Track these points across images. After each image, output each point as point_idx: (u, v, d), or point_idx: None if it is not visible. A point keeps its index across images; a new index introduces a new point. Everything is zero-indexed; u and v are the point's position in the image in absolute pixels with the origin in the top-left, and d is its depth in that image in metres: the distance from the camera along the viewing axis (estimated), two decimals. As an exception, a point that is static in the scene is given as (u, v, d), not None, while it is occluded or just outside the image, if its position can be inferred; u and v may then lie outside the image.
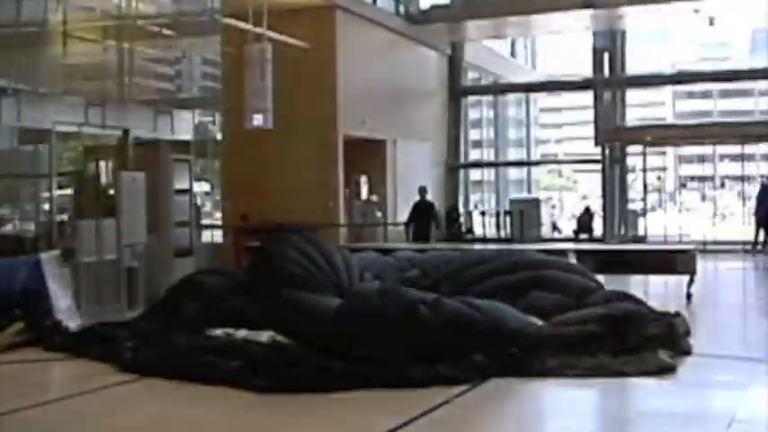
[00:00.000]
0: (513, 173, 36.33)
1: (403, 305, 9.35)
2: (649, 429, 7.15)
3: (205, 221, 23.92)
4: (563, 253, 14.57)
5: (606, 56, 27.41)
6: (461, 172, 29.35)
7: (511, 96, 35.08)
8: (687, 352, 9.42)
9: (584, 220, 28.03)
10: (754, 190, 28.36)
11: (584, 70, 28.66)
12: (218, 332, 10.14)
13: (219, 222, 23.22)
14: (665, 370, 8.60)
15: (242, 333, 10.08)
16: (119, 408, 8.02)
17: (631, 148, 27.71)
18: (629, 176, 28.32)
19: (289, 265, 11.53)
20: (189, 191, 17.53)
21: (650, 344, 9.13)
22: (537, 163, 40.18)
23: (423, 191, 21.66)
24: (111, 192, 15.17)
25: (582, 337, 9.24)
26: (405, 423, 7.05)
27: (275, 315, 10.41)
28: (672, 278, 15.20)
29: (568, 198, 47.28)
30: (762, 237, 24.73)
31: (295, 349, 9.04)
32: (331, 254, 12.36)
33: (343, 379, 8.23)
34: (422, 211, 21.24)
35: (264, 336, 9.87)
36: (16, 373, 9.51)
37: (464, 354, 8.71)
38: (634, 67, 30.62)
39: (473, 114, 32.18)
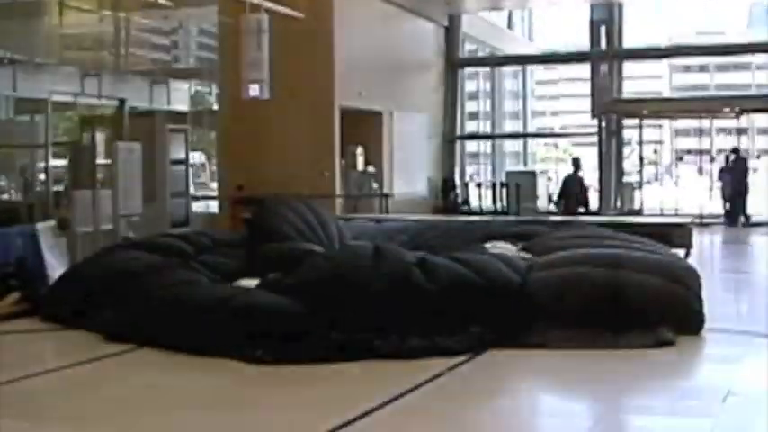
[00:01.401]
0: (510, 145, 36.32)
1: (396, 266, 9.18)
2: (646, 402, 7.15)
3: (201, 192, 23.92)
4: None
5: (603, 28, 27.28)
6: (458, 144, 29.26)
7: (508, 68, 35.02)
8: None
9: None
10: (752, 163, 28.40)
11: (581, 43, 28.59)
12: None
13: (215, 193, 23.19)
14: (664, 344, 8.58)
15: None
16: (114, 379, 8.02)
17: (628, 122, 27.68)
18: (626, 149, 28.28)
19: (284, 226, 11.55)
20: (185, 161, 17.54)
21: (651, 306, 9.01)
22: (533, 135, 40.12)
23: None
24: (108, 162, 15.15)
25: (576, 280, 9.18)
26: (402, 393, 7.06)
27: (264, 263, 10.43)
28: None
29: (564, 171, 47.13)
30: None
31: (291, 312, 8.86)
32: (327, 221, 12.40)
33: (340, 349, 8.19)
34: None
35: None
36: (11, 344, 9.50)
37: (461, 323, 8.67)
38: (631, 40, 30.52)
39: (470, 86, 32.08)
